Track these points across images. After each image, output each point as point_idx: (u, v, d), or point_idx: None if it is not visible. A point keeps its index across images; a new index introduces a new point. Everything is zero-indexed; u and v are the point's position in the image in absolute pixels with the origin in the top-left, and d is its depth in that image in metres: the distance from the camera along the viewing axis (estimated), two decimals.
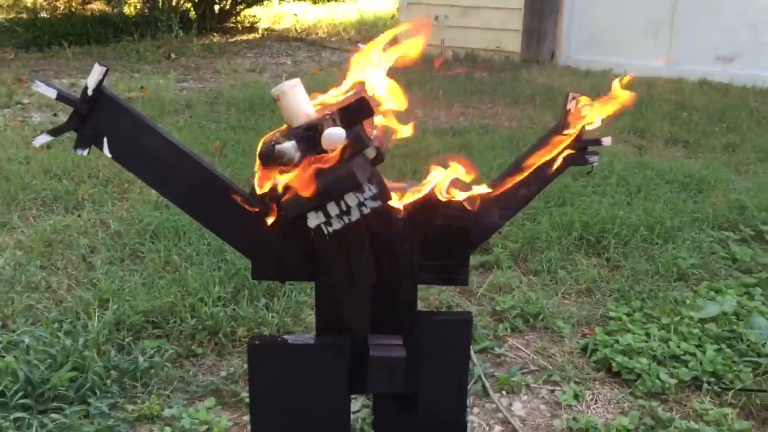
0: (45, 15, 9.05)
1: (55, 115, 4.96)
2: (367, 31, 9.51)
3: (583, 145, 1.61)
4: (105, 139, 1.53)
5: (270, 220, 1.51)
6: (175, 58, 7.23)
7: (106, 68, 1.49)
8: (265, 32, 9.67)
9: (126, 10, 9.26)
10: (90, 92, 1.48)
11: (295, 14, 10.93)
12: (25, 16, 8.95)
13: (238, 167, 3.64)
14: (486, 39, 7.40)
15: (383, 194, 1.44)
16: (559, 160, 1.63)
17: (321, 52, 8.16)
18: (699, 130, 4.75)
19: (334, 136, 1.34)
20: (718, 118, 5.04)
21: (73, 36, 7.70)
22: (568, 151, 1.61)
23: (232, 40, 8.84)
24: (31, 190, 3.31)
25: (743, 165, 4.04)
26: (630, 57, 6.72)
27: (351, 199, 1.41)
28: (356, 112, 1.39)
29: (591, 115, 1.57)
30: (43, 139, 1.49)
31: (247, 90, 5.71)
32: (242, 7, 10.18)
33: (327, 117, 1.38)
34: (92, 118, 1.50)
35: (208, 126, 4.62)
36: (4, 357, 1.96)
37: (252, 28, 9.87)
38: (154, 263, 2.61)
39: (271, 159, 1.39)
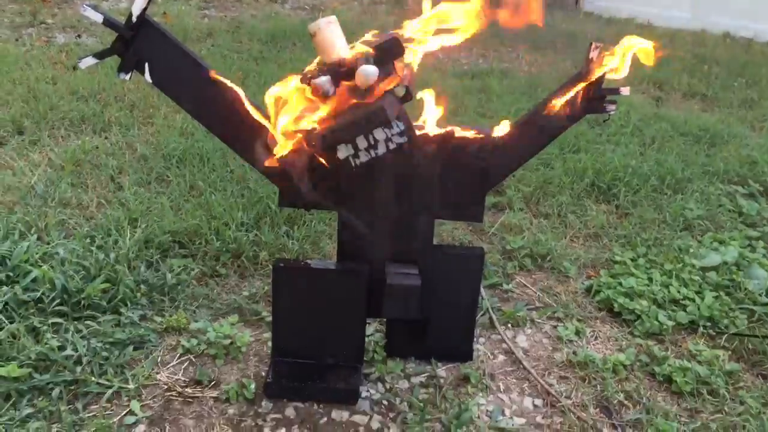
0: None
1: (78, 36, 5.00)
2: None
3: (602, 95, 1.67)
4: (147, 65, 1.60)
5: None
6: None
7: None
8: None
9: None
10: (134, 19, 1.55)
11: None
12: None
13: (260, 99, 3.69)
14: None
15: (409, 131, 1.52)
16: (577, 107, 1.69)
17: None
18: (718, 84, 4.76)
19: (369, 72, 1.41)
20: (738, 73, 5.04)
21: None
22: (585, 99, 1.67)
23: None
24: (59, 110, 3.39)
25: (759, 121, 4.07)
26: (654, 5, 6.66)
27: (379, 133, 1.50)
28: (389, 51, 1.46)
29: (610, 62, 1.63)
30: (89, 61, 1.57)
31: (268, 21, 5.72)
32: None
33: (360, 54, 1.45)
34: (135, 44, 1.58)
35: (230, 56, 4.66)
36: (41, 266, 2.08)
37: None
38: (179, 187, 2.71)
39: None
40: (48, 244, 2.25)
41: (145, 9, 1.54)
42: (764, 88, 4.71)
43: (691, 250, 2.56)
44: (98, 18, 1.52)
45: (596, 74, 1.65)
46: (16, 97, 3.50)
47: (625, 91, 1.71)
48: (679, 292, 2.29)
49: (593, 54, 1.65)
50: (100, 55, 1.58)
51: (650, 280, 2.36)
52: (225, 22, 5.73)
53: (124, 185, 2.73)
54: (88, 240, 2.29)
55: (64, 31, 5.13)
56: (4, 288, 2.00)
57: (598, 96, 1.69)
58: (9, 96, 3.51)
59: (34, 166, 2.84)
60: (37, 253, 2.16)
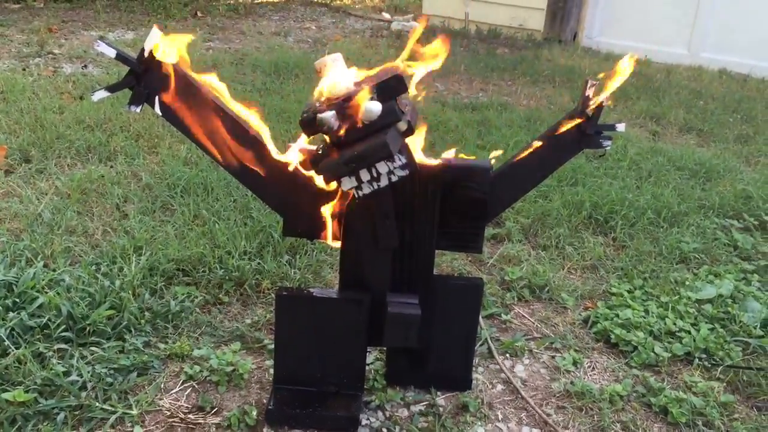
0: None
1: (85, 66, 5.08)
2: None
3: (598, 130, 1.73)
4: (156, 99, 1.66)
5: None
6: (201, 17, 7.31)
7: (161, 32, 1.60)
8: None
9: None
10: (146, 54, 1.60)
11: None
12: None
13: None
14: (510, 16, 7.44)
15: (411, 165, 1.57)
16: (573, 142, 1.75)
17: (345, 19, 8.21)
18: (714, 119, 4.83)
19: (372, 109, 1.47)
20: (734, 109, 5.11)
21: None
22: (581, 134, 1.73)
23: (258, 1, 8.87)
24: (65, 139, 3.45)
25: (754, 156, 4.13)
26: (652, 42, 6.77)
27: (382, 167, 1.55)
28: (392, 88, 1.52)
29: (600, 96, 1.68)
30: (102, 94, 1.62)
31: (272, 53, 5.81)
32: None
33: (365, 91, 1.51)
34: (146, 77, 1.63)
35: (234, 87, 4.71)
36: (47, 293, 2.11)
37: None
38: (184, 216, 2.76)
39: (312, 126, 1.52)
40: (54, 271, 2.29)
41: (156, 44, 1.59)
42: (759, 124, 4.78)
43: (687, 283, 2.60)
44: (111, 53, 1.58)
45: (591, 110, 1.71)
46: (23, 126, 3.56)
47: (621, 127, 1.77)
48: (675, 324, 2.32)
49: (589, 91, 1.71)
50: (112, 89, 1.63)
51: (647, 311, 2.39)
52: (229, 53, 5.82)
53: (129, 214, 2.78)
54: (93, 267, 2.33)
55: (71, 61, 5.21)
56: (11, 314, 2.03)
57: (594, 132, 1.74)
58: (17, 125, 3.57)
59: (41, 194, 2.89)
60: (43, 280, 2.20)
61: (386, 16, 8.45)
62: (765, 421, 1.94)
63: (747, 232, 3.09)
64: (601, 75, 1.73)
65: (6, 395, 1.75)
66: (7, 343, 1.92)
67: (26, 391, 1.78)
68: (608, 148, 1.77)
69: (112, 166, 3.25)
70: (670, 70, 6.27)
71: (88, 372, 1.88)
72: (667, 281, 2.61)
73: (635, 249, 2.84)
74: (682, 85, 5.74)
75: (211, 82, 1.67)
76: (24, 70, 4.81)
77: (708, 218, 3.17)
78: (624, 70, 1.73)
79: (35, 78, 4.57)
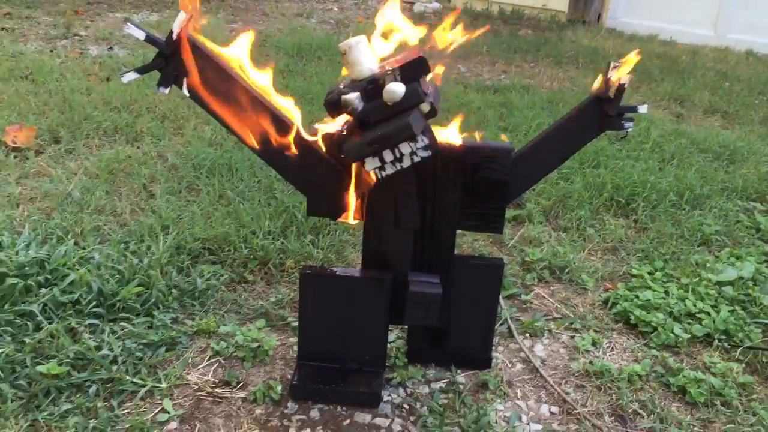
0: None
1: (111, 48, 5.14)
2: None
3: (620, 112, 1.74)
4: (185, 80, 1.69)
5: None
6: None
7: (190, 15, 1.63)
8: None
9: None
10: (174, 36, 1.63)
11: None
12: None
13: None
14: None
15: (433, 146, 1.60)
16: (596, 124, 1.76)
17: (367, 0, 8.19)
18: (739, 101, 4.79)
19: (395, 90, 1.49)
20: (760, 91, 5.06)
21: None
22: (603, 116, 1.74)
23: None
24: (93, 120, 3.51)
25: None
26: (676, 23, 6.70)
27: (405, 147, 1.57)
28: (415, 70, 1.54)
29: (616, 77, 1.69)
30: (132, 75, 1.66)
31: (294, 35, 5.83)
32: None
33: (388, 72, 1.54)
34: (174, 59, 1.66)
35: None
36: (78, 270, 2.17)
37: None
38: (209, 196, 2.81)
39: (337, 107, 1.55)
40: (84, 249, 2.35)
41: (185, 26, 1.63)
42: None
43: (708, 265, 2.60)
44: (141, 35, 1.61)
45: (613, 92, 1.72)
46: (52, 107, 3.62)
47: (643, 108, 1.77)
48: (695, 305, 2.33)
49: (611, 73, 1.72)
50: (142, 70, 1.66)
51: (667, 293, 2.41)
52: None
53: (155, 193, 2.83)
54: (122, 245, 2.39)
55: (97, 43, 5.27)
56: (44, 290, 2.09)
57: (616, 113, 1.75)
58: (45, 106, 3.64)
59: (71, 173, 2.96)
60: (74, 257, 2.26)
61: None
62: None
63: None
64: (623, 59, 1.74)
65: (40, 368, 1.81)
66: (40, 318, 1.98)
67: (59, 365, 1.84)
68: (630, 129, 1.78)
69: (138, 147, 3.31)
70: (696, 51, 6.21)
71: (119, 347, 1.94)
72: (688, 263, 2.62)
73: (656, 231, 2.85)
74: (707, 66, 5.69)
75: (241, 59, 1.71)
76: (51, 51, 4.88)
77: (731, 201, 3.16)
78: (631, 60, 1.74)
79: (62, 60, 4.64)
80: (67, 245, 2.31)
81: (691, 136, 3.92)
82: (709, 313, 2.30)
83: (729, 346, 2.18)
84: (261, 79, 1.73)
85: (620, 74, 1.69)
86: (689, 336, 2.21)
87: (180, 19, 1.61)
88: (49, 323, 1.98)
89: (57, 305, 2.06)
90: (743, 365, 2.10)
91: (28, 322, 1.97)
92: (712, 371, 2.06)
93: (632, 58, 1.73)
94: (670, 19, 6.75)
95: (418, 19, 7.02)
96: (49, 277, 2.16)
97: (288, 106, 1.72)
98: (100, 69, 4.46)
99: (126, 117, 3.58)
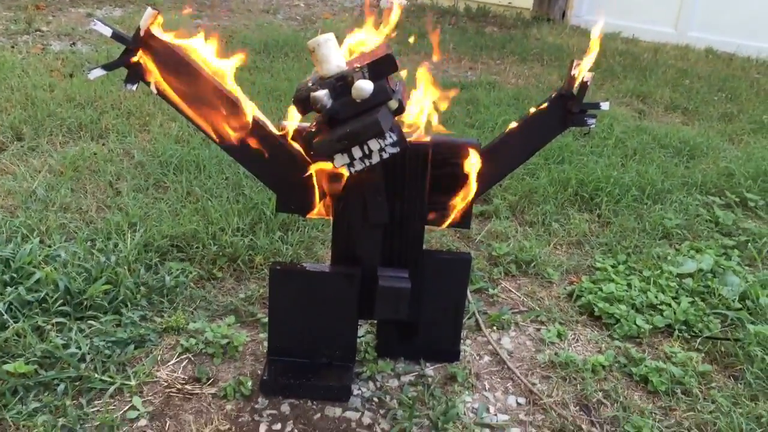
0: None
1: (74, 44, 5.07)
2: None
3: (583, 109, 1.78)
4: (152, 77, 1.69)
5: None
6: None
7: (157, 11, 1.63)
8: None
9: None
10: (141, 33, 1.63)
11: None
12: None
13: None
14: None
15: (402, 142, 1.62)
16: (559, 121, 1.80)
17: None
18: (699, 98, 4.90)
19: (364, 87, 1.51)
20: (719, 88, 5.18)
21: None
22: (567, 113, 1.78)
23: None
24: (57, 117, 3.46)
25: (737, 134, 4.20)
26: (639, 21, 6.81)
27: (374, 144, 1.59)
28: (383, 67, 1.56)
29: (583, 74, 1.73)
30: (98, 72, 1.65)
31: (261, 31, 5.81)
32: None
33: (357, 69, 1.55)
34: (141, 56, 1.66)
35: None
36: (44, 268, 2.15)
37: None
38: (177, 193, 2.80)
39: (306, 105, 1.56)
40: (50, 246, 2.33)
41: (151, 23, 1.63)
42: (743, 102, 4.85)
43: (669, 258, 2.67)
44: (108, 32, 1.60)
45: (576, 89, 1.76)
46: (14, 103, 3.57)
47: (605, 105, 1.82)
48: (656, 297, 2.39)
49: (574, 71, 1.75)
50: (108, 67, 1.66)
51: (629, 285, 2.46)
52: (218, 31, 5.81)
53: (122, 191, 2.81)
54: (89, 243, 2.37)
55: (59, 38, 5.20)
56: (9, 289, 2.07)
57: (579, 110, 1.79)
58: (7, 103, 3.58)
59: (35, 171, 2.92)
60: (39, 255, 2.24)
61: None
62: (740, 389, 2.02)
63: (728, 209, 3.16)
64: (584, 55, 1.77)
65: (7, 366, 1.80)
66: (5, 317, 1.97)
67: (26, 363, 1.83)
68: (593, 126, 1.82)
69: (104, 144, 3.28)
70: (657, 49, 6.32)
71: (87, 345, 1.93)
72: (650, 256, 2.68)
73: (619, 225, 2.91)
74: (668, 64, 5.80)
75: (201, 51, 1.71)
76: (12, 47, 4.80)
77: (691, 195, 3.24)
78: (594, 45, 1.77)
79: (24, 55, 4.57)
80: (33, 243, 2.29)
81: (653, 132, 4.00)
82: (670, 305, 2.36)
83: (689, 337, 2.25)
84: (224, 68, 1.74)
85: (582, 69, 1.73)
86: (651, 327, 2.26)
87: (147, 16, 1.61)
88: (15, 322, 1.96)
89: (23, 304, 2.04)
90: (703, 355, 2.17)
91: None
92: (673, 361, 2.11)
93: (595, 44, 1.76)
94: (632, 17, 6.86)
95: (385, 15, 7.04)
96: (15, 275, 2.14)
97: (245, 101, 1.73)
98: (63, 65, 4.40)
99: (90, 114, 3.54)
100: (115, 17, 5.90)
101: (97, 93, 3.81)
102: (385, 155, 1.62)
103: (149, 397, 1.84)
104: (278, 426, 1.79)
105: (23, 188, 2.75)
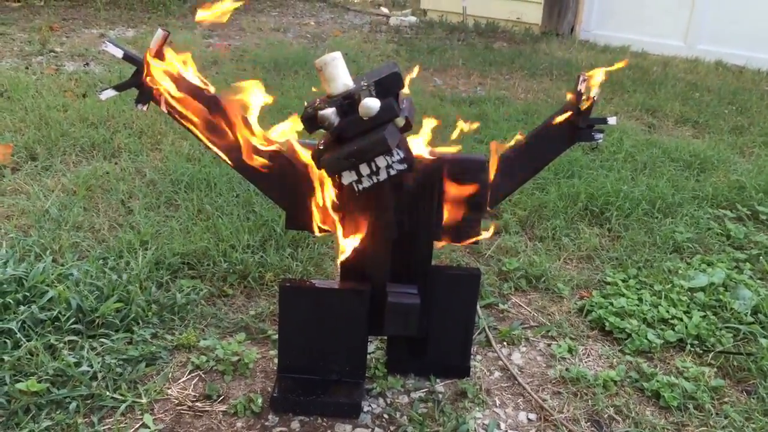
0: None
1: (87, 64, 5.13)
2: None
3: (591, 124, 1.78)
4: (162, 97, 1.71)
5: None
6: None
7: (167, 33, 1.66)
8: None
9: None
10: (152, 54, 1.66)
11: None
12: None
13: (263, 126, 3.82)
14: (507, 9, 7.49)
15: (409, 159, 1.63)
16: (567, 136, 1.81)
17: (344, 14, 8.26)
18: (709, 111, 4.89)
19: (371, 105, 1.52)
20: (729, 101, 5.17)
21: None
22: (575, 128, 1.79)
23: None
24: (69, 136, 3.50)
25: (748, 147, 4.19)
26: (648, 35, 6.82)
27: (381, 161, 1.61)
28: (390, 85, 1.58)
29: (590, 89, 1.74)
30: (109, 93, 1.68)
31: (272, 49, 5.86)
32: None
33: (364, 87, 1.57)
34: (151, 76, 1.68)
35: (234, 84, 4.78)
36: (57, 287, 2.17)
37: None
38: (188, 211, 2.82)
39: (313, 123, 1.58)
40: (63, 265, 2.35)
41: (162, 44, 1.65)
42: (754, 115, 4.84)
43: (680, 272, 2.66)
44: (119, 53, 1.63)
45: (584, 105, 1.76)
46: (28, 124, 3.62)
47: (612, 120, 1.82)
48: (667, 311, 2.38)
49: (581, 86, 1.76)
50: (120, 87, 1.68)
51: (640, 300, 2.46)
52: (229, 50, 5.87)
53: (134, 209, 2.84)
54: (101, 261, 2.39)
55: (73, 59, 5.27)
56: (22, 307, 2.09)
57: (587, 125, 1.80)
58: (22, 123, 3.63)
59: (48, 190, 2.95)
60: (52, 274, 2.26)
61: (384, 10, 8.50)
62: (754, 404, 2.00)
63: (740, 222, 3.15)
64: (590, 72, 1.78)
65: (20, 385, 1.81)
66: (18, 335, 1.98)
67: (39, 381, 1.84)
68: (601, 141, 1.83)
69: (116, 163, 3.31)
70: (667, 62, 6.33)
71: (98, 362, 1.94)
72: (661, 270, 2.67)
73: (630, 239, 2.90)
74: (678, 77, 5.80)
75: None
76: (27, 68, 4.86)
77: (701, 209, 3.23)
78: (600, 71, 1.79)
79: (38, 76, 4.63)
80: (46, 262, 2.31)
81: (663, 145, 4.00)
82: (681, 319, 2.35)
83: (701, 351, 2.23)
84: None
85: (591, 85, 1.74)
86: (662, 341, 2.25)
87: (157, 37, 1.63)
88: (28, 340, 1.98)
89: (36, 322, 2.06)
90: (715, 369, 2.15)
91: (7, 340, 1.97)
92: (685, 376, 2.10)
93: (601, 71, 1.77)
94: (641, 31, 6.88)
95: (394, 32, 7.08)
96: (28, 294, 2.16)
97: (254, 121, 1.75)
98: (77, 85, 4.46)
99: (103, 133, 3.58)
100: (128, 38, 5.98)
101: (109, 113, 3.85)
102: (393, 172, 1.63)
103: (160, 415, 1.85)
104: None
105: (36, 207, 2.78)
